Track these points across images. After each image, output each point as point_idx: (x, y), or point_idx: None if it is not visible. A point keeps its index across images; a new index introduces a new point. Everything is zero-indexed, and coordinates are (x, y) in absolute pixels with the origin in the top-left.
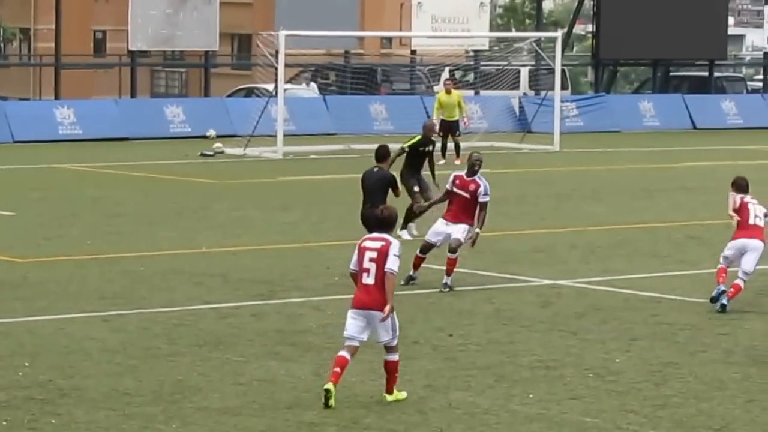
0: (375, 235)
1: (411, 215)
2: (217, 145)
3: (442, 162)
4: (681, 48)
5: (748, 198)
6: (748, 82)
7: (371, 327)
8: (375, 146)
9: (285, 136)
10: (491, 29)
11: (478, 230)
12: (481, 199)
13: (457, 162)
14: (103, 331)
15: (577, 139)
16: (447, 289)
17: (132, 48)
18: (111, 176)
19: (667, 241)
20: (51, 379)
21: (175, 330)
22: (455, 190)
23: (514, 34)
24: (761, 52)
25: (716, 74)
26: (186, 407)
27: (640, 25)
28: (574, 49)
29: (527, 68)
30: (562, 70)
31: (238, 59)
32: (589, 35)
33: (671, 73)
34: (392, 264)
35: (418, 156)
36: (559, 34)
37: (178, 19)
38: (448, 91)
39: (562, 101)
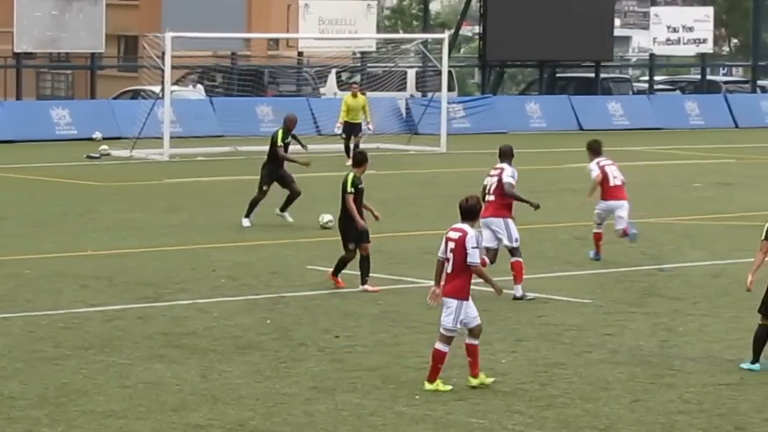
0: (457, 225)
1: (253, 205)
2: (103, 147)
3: (348, 163)
4: (567, 49)
5: (604, 161)
6: (634, 84)
7: (462, 311)
8: (261, 148)
9: (171, 138)
10: (378, 31)
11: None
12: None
13: (348, 163)
14: None
15: (464, 141)
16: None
17: (17, 50)
18: None
19: (553, 242)
20: None
21: (60, 333)
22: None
23: (401, 35)
24: (647, 54)
25: (602, 75)
26: (71, 410)
27: (527, 26)
28: (461, 50)
29: (414, 70)
30: (449, 72)
31: (124, 61)
32: (476, 37)
33: (558, 75)
34: (472, 258)
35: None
36: (445, 35)
37: (63, 21)
38: (354, 95)
39: (448, 103)
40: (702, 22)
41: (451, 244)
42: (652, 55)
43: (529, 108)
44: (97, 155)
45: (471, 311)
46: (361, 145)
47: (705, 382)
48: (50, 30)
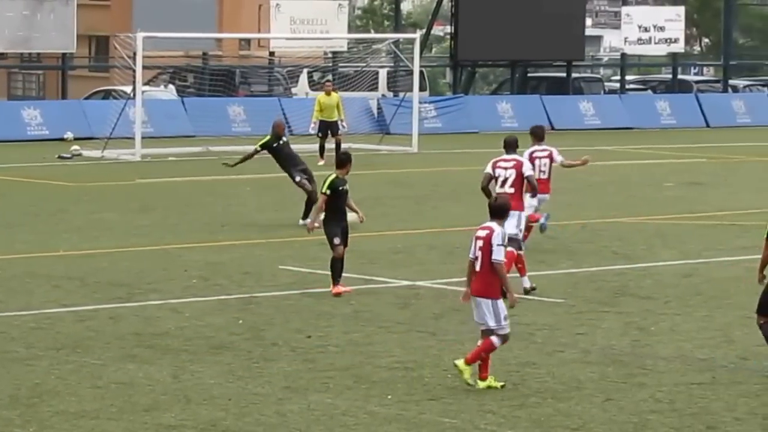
0: (486, 224)
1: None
2: (75, 147)
3: (321, 163)
4: (539, 49)
5: (538, 151)
6: (606, 83)
7: (480, 311)
8: (233, 148)
9: (143, 138)
10: (350, 31)
11: None
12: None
13: (321, 162)
14: None
15: (436, 141)
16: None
17: None
18: None
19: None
20: None
21: (32, 333)
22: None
23: (372, 35)
24: (619, 53)
25: (574, 75)
26: (43, 411)
27: (498, 26)
28: (433, 50)
29: (386, 70)
30: (421, 72)
31: (95, 61)
32: (448, 36)
33: (529, 74)
34: (497, 255)
35: (274, 153)
36: (417, 35)
37: (35, 21)
38: (328, 93)
39: (420, 102)
40: (673, 21)
41: (480, 243)
42: (623, 55)
43: (501, 108)
44: (69, 155)
45: (503, 310)
46: (333, 145)
47: (677, 381)
48: (21, 30)
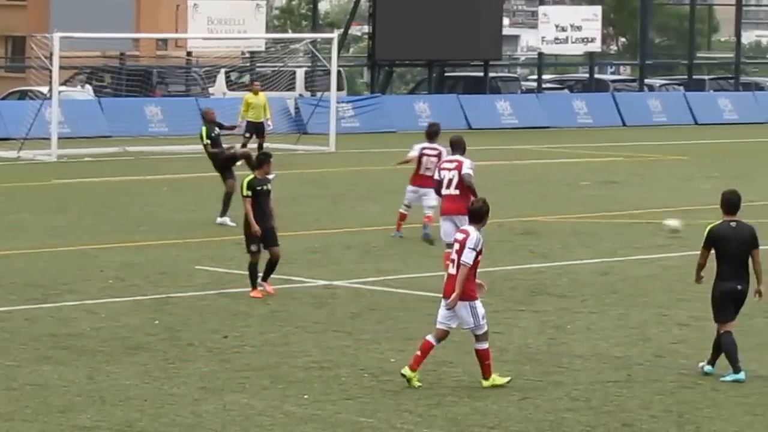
0: (465, 227)
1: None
2: None
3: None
4: (456, 49)
5: (428, 149)
6: (523, 83)
7: (456, 315)
8: (150, 148)
9: (59, 138)
10: (267, 30)
11: None
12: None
13: (240, 163)
14: None
15: (353, 140)
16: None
17: None
18: None
19: (440, 241)
20: None
21: None
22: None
23: (290, 35)
24: (536, 53)
25: (491, 75)
26: None
27: (416, 26)
28: (351, 50)
29: (303, 69)
30: (338, 71)
31: (12, 61)
32: (366, 36)
33: (447, 74)
34: (466, 257)
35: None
36: (335, 35)
37: None
38: (255, 93)
39: (337, 102)
40: (590, 21)
41: (457, 246)
42: (540, 54)
43: (418, 107)
44: None
45: (480, 311)
46: (251, 145)
47: (593, 379)
48: None
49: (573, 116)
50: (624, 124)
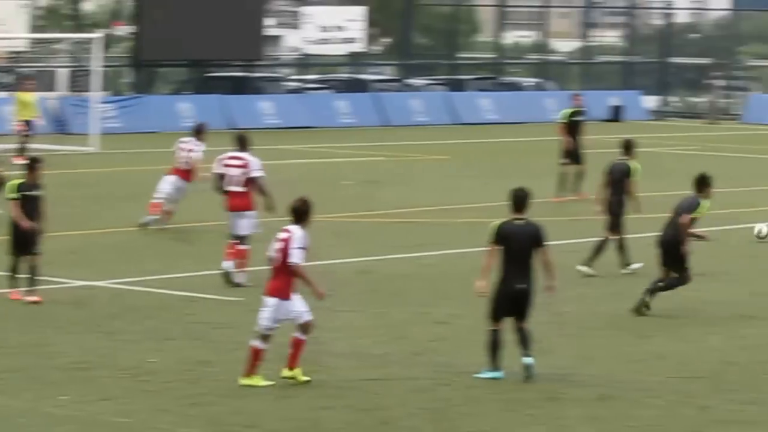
0: (287, 226)
1: None
2: None
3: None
4: (219, 49)
5: (188, 143)
6: (286, 83)
7: (280, 310)
8: None
9: None
10: (30, 30)
11: None
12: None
13: (18, 161)
14: None
15: (116, 140)
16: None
17: None
18: None
19: (202, 241)
20: None
21: None
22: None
23: (52, 35)
24: (298, 53)
25: (254, 75)
26: None
27: (180, 26)
28: (114, 50)
29: (66, 69)
30: (101, 72)
31: None
32: (130, 36)
33: (211, 74)
34: (292, 257)
35: None
36: (97, 35)
37: None
38: (28, 91)
39: (100, 102)
40: (353, 21)
41: (278, 244)
42: (303, 55)
43: (180, 108)
44: None
45: (296, 307)
46: (11, 146)
47: (351, 377)
48: None
49: (335, 116)
50: (386, 124)
